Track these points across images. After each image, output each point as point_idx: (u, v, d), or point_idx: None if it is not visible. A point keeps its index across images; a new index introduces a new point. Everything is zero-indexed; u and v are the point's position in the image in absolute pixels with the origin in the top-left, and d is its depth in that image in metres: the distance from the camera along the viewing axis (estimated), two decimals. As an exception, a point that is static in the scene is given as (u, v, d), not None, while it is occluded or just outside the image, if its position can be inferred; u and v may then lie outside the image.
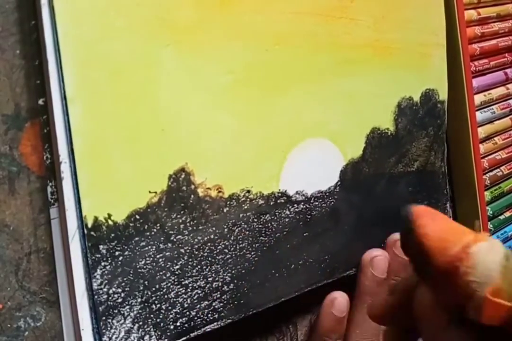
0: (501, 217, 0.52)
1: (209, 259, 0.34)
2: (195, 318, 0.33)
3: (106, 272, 0.30)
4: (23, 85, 0.29)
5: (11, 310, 0.29)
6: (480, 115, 0.50)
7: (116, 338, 0.31)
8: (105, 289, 0.30)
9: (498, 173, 0.51)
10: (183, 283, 0.33)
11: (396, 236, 0.42)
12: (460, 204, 0.51)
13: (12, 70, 0.29)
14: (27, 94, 0.29)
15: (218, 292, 0.34)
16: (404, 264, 0.41)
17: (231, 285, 0.35)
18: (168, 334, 0.32)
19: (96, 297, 0.30)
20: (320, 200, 0.39)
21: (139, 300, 0.31)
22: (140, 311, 0.31)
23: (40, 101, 0.30)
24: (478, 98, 0.49)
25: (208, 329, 0.34)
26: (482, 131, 0.50)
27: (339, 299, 0.40)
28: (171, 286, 0.32)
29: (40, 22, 0.28)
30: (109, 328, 0.30)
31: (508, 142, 0.52)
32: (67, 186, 0.29)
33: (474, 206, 0.49)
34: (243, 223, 0.35)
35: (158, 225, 0.32)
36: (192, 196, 0.33)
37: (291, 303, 0.39)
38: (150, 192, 0.32)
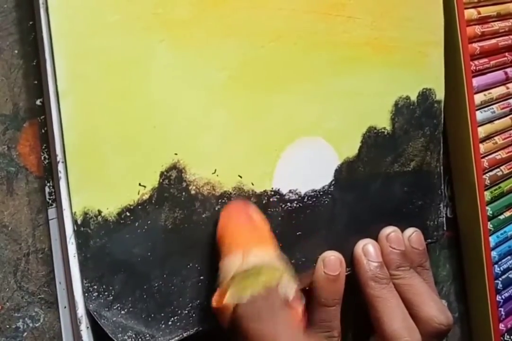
0: (501, 217, 0.52)
1: (200, 257, 0.34)
2: (187, 317, 0.33)
3: (95, 269, 0.30)
4: (22, 85, 0.29)
5: (10, 311, 0.29)
6: (480, 115, 0.49)
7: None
8: (95, 287, 0.30)
9: (498, 172, 0.51)
10: (174, 281, 0.33)
11: (388, 229, 0.42)
12: (460, 204, 0.51)
13: (10, 70, 0.29)
14: (25, 94, 0.29)
15: (210, 291, 0.34)
16: (398, 255, 0.41)
17: None
18: (161, 333, 0.32)
19: (86, 294, 0.30)
20: (314, 199, 0.38)
21: (130, 298, 0.31)
22: (131, 309, 0.31)
23: (38, 102, 0.30)
24: (478, 98, 0.49)
25: (200, 328, 0.34)
26: (482, 131, 0.49)
27: (329, 258, 0.39)
28: (163, 284, 0.32)
29: (38, 21, 0.28)
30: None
31: (508, 142, 0.52)
32: (64, 186, 0.29)
33: (474, 206, 0.49)
34: None
35: (148, 222, 0.32)
36: (184, 193, 0.33)
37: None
38: (141, 188, 0.31)
